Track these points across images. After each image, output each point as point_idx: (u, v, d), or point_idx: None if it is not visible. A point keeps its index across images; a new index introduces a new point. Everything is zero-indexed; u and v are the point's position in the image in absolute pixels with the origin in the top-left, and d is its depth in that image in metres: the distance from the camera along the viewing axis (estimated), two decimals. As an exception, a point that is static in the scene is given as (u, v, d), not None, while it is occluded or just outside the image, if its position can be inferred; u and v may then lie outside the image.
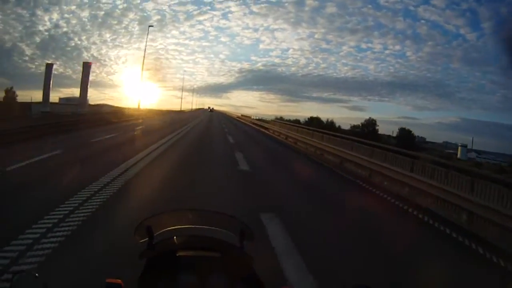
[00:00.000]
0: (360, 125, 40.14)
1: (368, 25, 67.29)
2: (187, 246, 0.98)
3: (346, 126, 41.30)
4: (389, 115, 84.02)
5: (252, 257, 0.96)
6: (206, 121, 31.35)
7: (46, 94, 24.47)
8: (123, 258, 2.23)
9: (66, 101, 32.56)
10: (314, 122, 35.89)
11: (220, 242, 0.97)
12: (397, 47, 69.42)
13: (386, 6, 68.28)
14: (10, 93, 31.00)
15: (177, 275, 0.92)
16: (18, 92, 31.55)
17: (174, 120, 27.03)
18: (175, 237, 0.97)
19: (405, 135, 38.81)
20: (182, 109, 59.72)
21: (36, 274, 0.83)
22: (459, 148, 40.13)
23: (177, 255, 0.96)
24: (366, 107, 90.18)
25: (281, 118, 32.86)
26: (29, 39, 58.19)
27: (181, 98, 60.15)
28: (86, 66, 24.48)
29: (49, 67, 24.38)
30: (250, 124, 31.25)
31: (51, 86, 24.52)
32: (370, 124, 40.22)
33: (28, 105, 27.53)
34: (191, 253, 0.97)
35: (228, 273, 0.93)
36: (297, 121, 34.65)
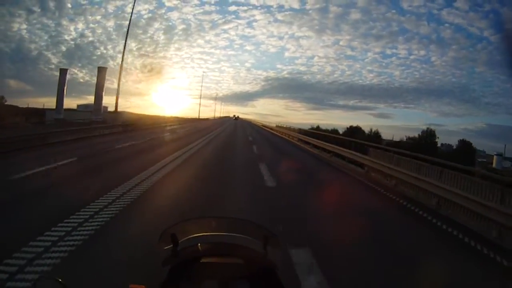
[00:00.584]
0: (418, 136, 34.91)
1: (392, 30, 68.29)
2: (210, 252, 0.97)
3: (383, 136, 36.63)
4: (414, 122, 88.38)
5: (275, 264, 0.96)
6: (228, 132, 26.77)
7: (59, 100, 22.93)
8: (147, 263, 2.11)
9: (84, 108, 31.29)
10: (356, 132, 31.07)
11: (243, 248, 0.96)
12: (422, 52, 68.70)
13: (410, 10, 67.56)
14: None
15: (200, 281, 0.93)
16: (43, 100, 30.29)
17: (196, 129, 25.64)
18: (198, 244, 0.97)
19: (465, 148, 32.98)
20: (204, 117, 59.44)
21: (60, 279, 0.84)
22: (494, 157, 37.23)
23: (201, 261, 0.95)
24: (392, 114, 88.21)
25: (317, 128, 29.07)
26: (55, 48, 59.83)
27: (199, 105, 59.55)
28: (101, 70, 22.66)
29: (63, 73, 22.89)
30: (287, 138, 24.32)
31: (65, 91, 22.97)
32: (429, 135, 34.75)
33: (43, 112, 26.57)
34: (214, 259, 0.96)
35: (251, 280, 0.93)
36: (334, 131, 30.41)
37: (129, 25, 19.97)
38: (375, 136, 31.95)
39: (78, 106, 30.47)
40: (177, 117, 38.71)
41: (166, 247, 0.96)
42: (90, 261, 2.89)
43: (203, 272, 0.94)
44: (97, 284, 2.43)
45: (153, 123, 25.51)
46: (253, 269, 0.94)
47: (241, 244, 0.97)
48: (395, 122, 76.45)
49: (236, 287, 0.92)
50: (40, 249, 3.01)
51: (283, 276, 0.98)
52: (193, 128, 26.78)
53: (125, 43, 19.29)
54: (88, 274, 2.62)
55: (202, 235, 1.01)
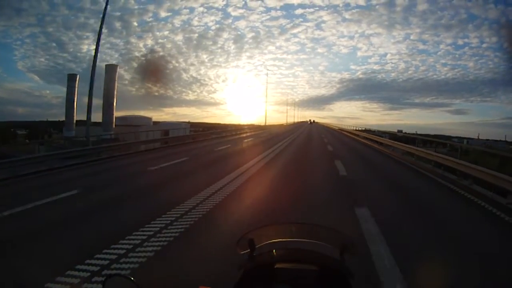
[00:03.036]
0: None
1: (461, 18, 65.23)
2: (285, 258, 0.96)
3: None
4: (492, 117, 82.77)
5: (351, 272, 0.92)
6: (300, 141, 20.52)
7: (69, 115, 18.31)
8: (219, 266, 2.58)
9: (121, 121, 26.92)
10: None
11: (319, 255, 0.96)
12: (494, 39, 62.27)
13: (476, -7, 59.12)
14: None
15: (273, 287, 0.92)
16: (120, 113, 26.86)
17: (262, 138, 21.93)
18: (274, 250, 0.97)
19: None
20: (279, 123, 59.94)
21: (132, 278, 0.86)
22: None
23: (275, 267, 0.94)
24: (468, 110, 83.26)
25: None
26: (126, 64, 61.00)
27: (266, 112, 56.44)
28: (111, 68, 17.31)
29: (71, 79, 18.22)
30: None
31: (76, 103, 18.28)
32: None
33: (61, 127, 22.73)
34: (289, 265, 0.95)
35: (325, 287, 0.91)
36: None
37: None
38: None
39: (116, 118, 26.09)
40: (252, 125, 38.96)
41: (242, 252, 0.97)
42: (165, 260, 3.05)
43: (277, 278, 0.92)
44: (168, 285, 2.55)
45: (215, 133, 24.28)
46: (328, 276, 0.90)
47: (317, 251, 0.96)
48: (472, 118, 74.84)
49: None
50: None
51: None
52: (258, 137, 23.08)
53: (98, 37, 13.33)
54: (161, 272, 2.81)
55: (279, 241, 1.01)
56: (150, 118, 25.26)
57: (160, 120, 30.08)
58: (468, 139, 32.43)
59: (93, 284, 2.58)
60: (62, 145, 16.90)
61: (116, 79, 17.04)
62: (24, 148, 19.29)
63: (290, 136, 25.09)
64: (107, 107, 17.68)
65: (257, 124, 43.51)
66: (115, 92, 17.71)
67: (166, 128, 22.56)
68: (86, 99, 13.08)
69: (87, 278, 2.70)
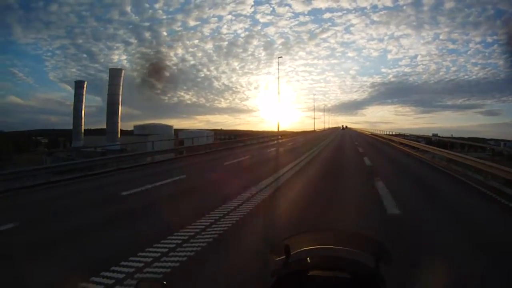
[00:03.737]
0: None
1: (488, 14, 63.69)
2: (320, 266, 0.97)
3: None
4: None
5: (385, 280, 0.90)
6: (331, 151, 17.63)
7: (77, 124, 17.21)
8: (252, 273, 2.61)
9: (140, 130, 25.77)
10: None
11: (353, 262, 0.95)
12: None
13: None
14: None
15: None
16: (151, 121, 26.29)
17: (289, 147, 19.66)
18: (308, 257, 0.97)
19: None
20: (311, 129, 58.76)
21: (164, 282, 0.90)
22: None
23: (309, 274, 0.95)
24: (500, 111, 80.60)
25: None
26: (157, 74, 62.43)
27: (277, 117, 54.95)
28: (115, 73, 15.81)
29: (78, 86, 17.15)
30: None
31: (83, 111, 17.16)
32: None
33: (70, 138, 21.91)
34: (323, 273, 0.95)
35: None
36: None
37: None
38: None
39: (134, 127, 24.99)
40: (284, 131, 38.74)
41: (278, 258, 0.96)
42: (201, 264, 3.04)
43: (310, 285, 0.91)
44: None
45: (240, 141, 22.99)
46: (362, 284, 0.89)
47: (351, 258, 0.95)
48: (504, 119, 70.27)
49: None
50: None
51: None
52: (285, 146, 20.90)
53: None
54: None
55: (314, 248, 1.00)
56: (171, 126, 23.93)
57: (187, 128, 28.74)
58: (506, 141, 28.46)
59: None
60: (71, 156, 15.74)
61: (122, 84, 15.58)
62: (36, 157, 18.62)
63: (323, 142, 24.01)
64: (111, 115, 16.23)
65: (289, 130, 42.78)
66: (120, 99, 16.22)
67: (188, 137, 20.88)
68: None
69: None
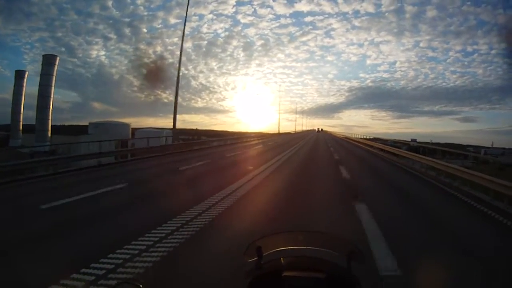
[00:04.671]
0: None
1: (470, 24, 65.00)
2: (293, 266, 0.95)
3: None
4: (501, 124, 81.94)
5: (358, 279, 0.92)
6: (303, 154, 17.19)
7: (15, 121, 14.83)
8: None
9: (94, 127, 23.36)
10: None
11: (326, 262, 0.96)
12: (503, 45, 55.84)
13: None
14: None
15: None
16: (128, 119, 23.86)
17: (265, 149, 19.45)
18: (281, 258, 0.97)
19: None
20: (287, 131, 59.85)
21: (140, 286, 0.86)
22: None
23: (282, 275, 0.92)
24: (477, 118, 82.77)
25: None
26: (135, 71, 59.87)
27: (279, 121, 55.07)
28: (48, 60, 13.48)
29: (18, 76, 14.80)
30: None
31: (22, 106, 14.81)
32: None
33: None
34: (296, 273, 0.93)
35: None
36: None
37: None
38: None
39: (89, 124, 22.44)
40: (259, 133, 38.63)
41: (250, 260, 0.96)
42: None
43: (284, 286, 0.89)
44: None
45: (205, 142, 22.14)
46: (335, 284, 0.90)
47: (324, 259, 0.96)
48: (480, 126, 73.45)
49: None
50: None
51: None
52: (253, 150, 19.96)
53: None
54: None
55: (286, 248, 1.00)
56: (128, 125, 21.57)
57: (147, 127, 26.34)
58: (485, 148, 28.88)
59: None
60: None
61: (55, 74, 13.26)
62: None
63: (295, 145, 23.53)
64: (41, 111, 13.83)
65: (264, 132, 42.27)
66: (53, 91, 13.85)
67: (142, 136, 18.87)
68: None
69: None
